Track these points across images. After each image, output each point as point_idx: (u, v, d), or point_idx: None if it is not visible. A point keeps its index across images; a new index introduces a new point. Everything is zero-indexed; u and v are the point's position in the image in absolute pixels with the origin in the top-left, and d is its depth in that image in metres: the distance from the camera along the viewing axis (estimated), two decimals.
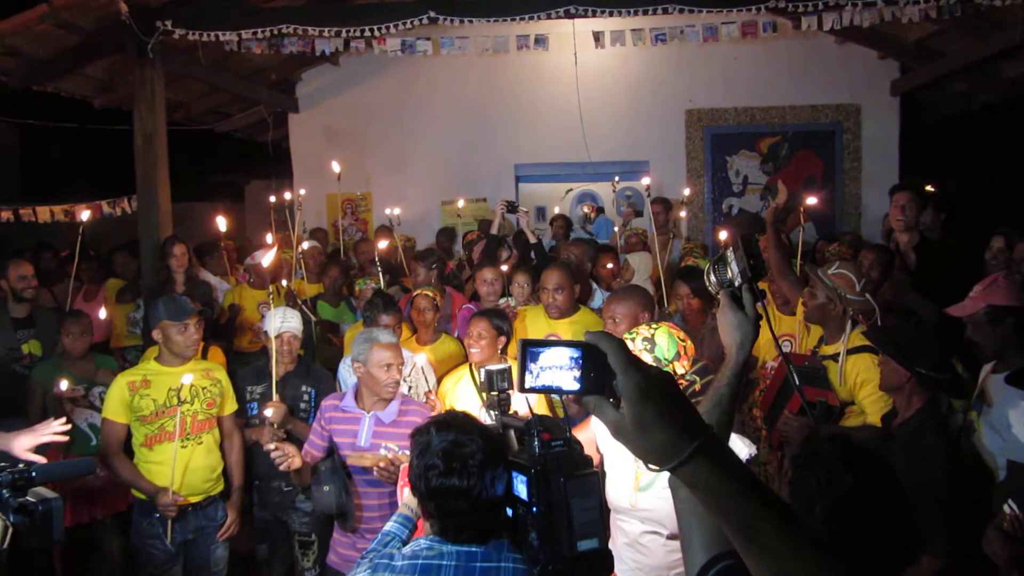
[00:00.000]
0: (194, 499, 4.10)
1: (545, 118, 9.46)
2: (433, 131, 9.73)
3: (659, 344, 2.97)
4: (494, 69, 9.38)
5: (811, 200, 4.95)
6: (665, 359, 2.96)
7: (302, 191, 8.12)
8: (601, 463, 3.08)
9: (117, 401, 4.08)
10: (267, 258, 4.95)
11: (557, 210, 8.47)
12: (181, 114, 9.38)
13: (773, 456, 4.27)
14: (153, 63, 6.69)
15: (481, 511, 2.10)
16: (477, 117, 9.63)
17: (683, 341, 3.02)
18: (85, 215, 6.31)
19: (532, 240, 7.62)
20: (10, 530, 1.92)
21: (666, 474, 2.70)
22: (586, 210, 12.08)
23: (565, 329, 4.79)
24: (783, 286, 4.60)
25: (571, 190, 9.06)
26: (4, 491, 1.97)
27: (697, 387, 3.07)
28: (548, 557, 1.94)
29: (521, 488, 2.02)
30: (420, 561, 2.10)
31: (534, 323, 4.96)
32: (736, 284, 1.77)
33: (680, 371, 2.98)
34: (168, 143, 6.79)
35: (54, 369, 4.80)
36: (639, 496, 2.91)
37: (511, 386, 2.40)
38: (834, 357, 3.91)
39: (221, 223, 6.12)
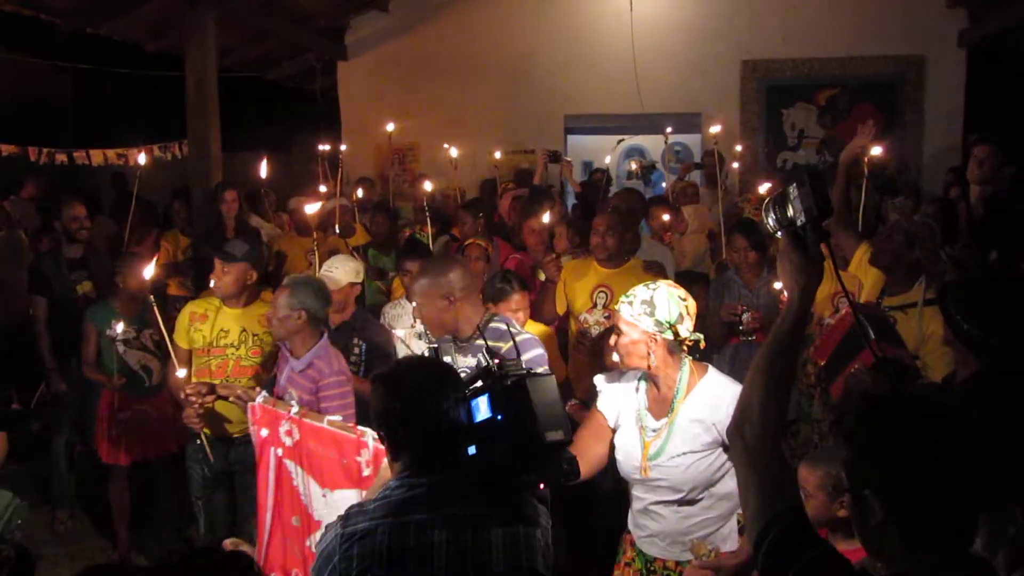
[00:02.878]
0: (235, 433, 4.11)
1: (597, 68, 9.26)
2: (482, 80, 9.59)
3: (659, 306, 2.78)
4: (546, 16, 9.19)
5: (876, 150, 4.75)
6: (667, 321, 2.78)
7: (343, 147, 8.06)
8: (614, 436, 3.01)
9: (180, 326, 4.19)
10: (312, 207, 4.92)
11: (608, 160, 8.31)
12: (230, 61, 9.36)
13: (827, 414, 4.17)
14: (204, 6, 6.67)
15: (449, 439, 2.15)
16: (528, 66, 9.46)
17: (684, 300, 2.85)
18: (142, 159, 6.33)
19: (576, 191, 7.53)
20: None
21: (675, 442, 2.72)
22: (634, 166, 11.91)
23: (617, 281, 4.69)
24: (839, 236, 4.44)
25: (623, 140, 8.87)
26: None
27: (702, 345, 2.88)
28: (519, 454, 2.08)
29: (483, 407, 2.14)
30: (394, 498, 2.09)
31: (581, 275, 4.86)
32: (799, 223, 1.66)
33: (684, 332, 2.81)
34: (218, 91, 6.79)
35: (107, 310, 4.86)
36: (649, 465, 2.84)
37: None
38: (901, 308, 3.78)
39: (263, 170, 6.11)
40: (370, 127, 9.42)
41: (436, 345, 3.38)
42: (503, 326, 3.18)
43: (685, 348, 2.85)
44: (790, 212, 1.68)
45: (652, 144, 11.39)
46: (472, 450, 2.16)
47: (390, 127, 7.06)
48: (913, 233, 3.79)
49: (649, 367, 2.84)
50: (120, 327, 4.63)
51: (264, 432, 3.72)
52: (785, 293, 1.75)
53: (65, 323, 5.11)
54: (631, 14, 7.91)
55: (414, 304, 3.82)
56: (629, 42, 8.45)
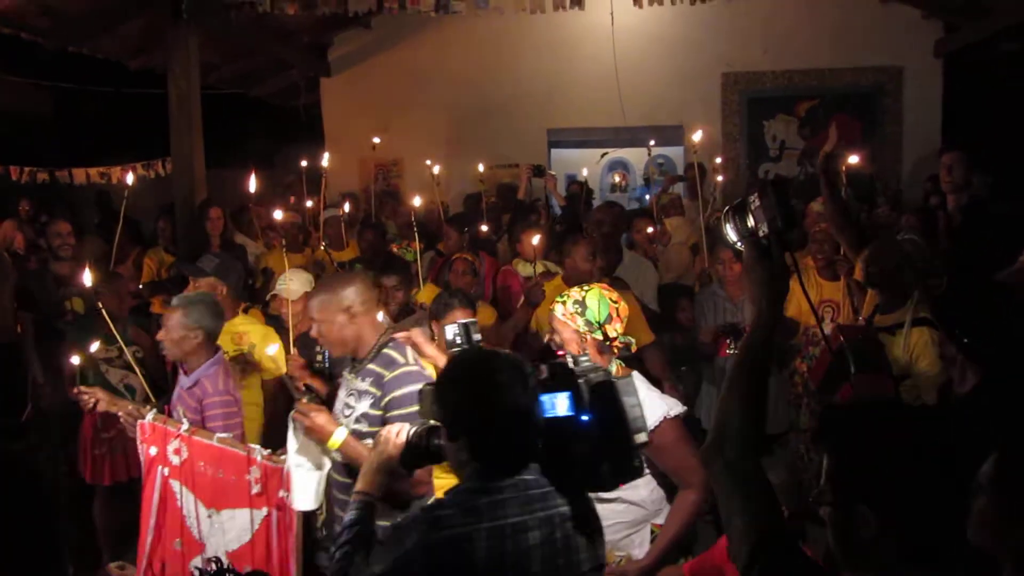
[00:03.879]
0: None
1: (579, 82, 9.32)
2: (465, 95, 9.63)
3: (590, 307, 2.88)
4: (528, 31, 9.23)
5: (853, 159, 4.77)
6: (596, 321, 2.88)
7: (327, 155, 8.08)
8: None
9: None
10: (278, 212, 4.92)
11: (586, 172, 8.35)
12: (214, 78, 9.36)
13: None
14: (187, 23, 6.67)
15: (527, 437, 2.05)
16: (511, 81, 9.51)
17: (615, 303, 2.94)
18: (129, 179, 6.32)
19: (560, 204, 7.57)
20: None
21: None
22: (617, 179, 11.99)
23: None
24: (841, 242, 4.43)
25: (606, 154, 8.96)
26: None
27: (633, 348, 2.95)
28: (603, 453, 2.02)
29: (561, 405, 2.05)
30: (481, 502, 1.98)
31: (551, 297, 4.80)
32: (762, 233, 1.65)
33: (612, 333, 2.90)
34: (202, 108, 6.78)
35: (89, 329, 4.84)
36: None
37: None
38: (891, 329, 3.79)
39: (252, 186, 6.10)
40: (353, 142, 9.44)
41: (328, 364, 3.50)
42: (395, 353, 3.05)
43: (615, 350, 2.92)
44: (751, 222, 1.67)
45: (635, 157, 11.49)
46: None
47: (376, 140, 7.06)
48: (903, 255, 3.82)
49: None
50: (95, 346, 4.60)
51: (153, 450, 3.74)
52: (751, 305, 1.73)
53: (54, 341, 5.08)
54: (612, 27, 7.96)
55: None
56: (611, 55, 8.51)
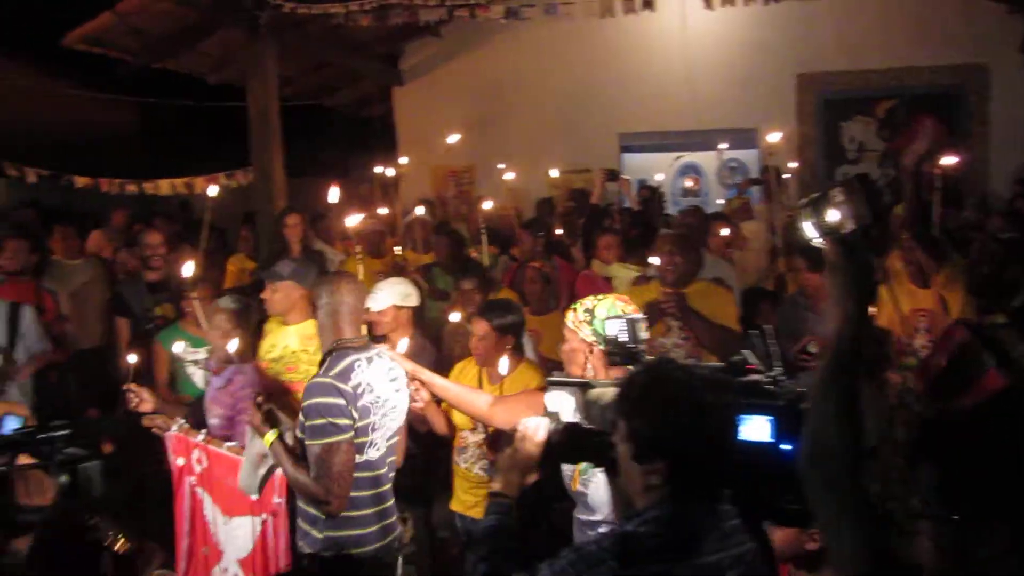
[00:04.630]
0: None
1: (650, 85, 9.26)
2: (536, 101, 9.66)
3: (597, 315, 2.79)
4: (599, 35, 9.22)
5: (949, 160, 4.54)
6: (601, 331, 2.76)
7: (403, 159, 8.20)
8: None
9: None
10: (352, 219, 4.98)
11: (660, 177, 8.29)
12: (290, 90, 9.60)
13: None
14: (265, 38, 6.86)
15: (725, 462, 1.84)
16: (581, 86, 9.51)
17: (628, 314, 2.78)
18: (213, 190, 6.52)
19: (635, 208, 7.53)
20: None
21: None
22: (689, 183, 11.85)
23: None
24: (916, 251, 4.28)
25: (680, 157, 8.86)
26: (49, 450, 1.99)
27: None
28: (788, 486, 1.76)
29: (761, 429, 1.84)
30: (677, 535, 1.80)
31: (643, 298, 4.74)
32: (846, 230, 1.55)
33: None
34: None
35: (176, 332, 4.99)
36: (580, 478, 2.83)
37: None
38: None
39: (333, 195, 6.22)
40: (426, 150, 9.55)
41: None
42: (330, 362, 3.08)
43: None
44: (833, 218, 1.57)
45: (707, 161, 11.35)
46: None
47: (452, 139, 7.14)
48: (1004, 254, 3.68)
49: (583, 376, 2.84)
50: (181, 346, 4.74)
51: (180, 461, 3.90)
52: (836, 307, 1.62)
53: (145, 345, 5.26)
54: (685, 30, 7.91)
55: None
56: (683, 58, 8.46)
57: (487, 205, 6.62)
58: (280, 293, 4.26)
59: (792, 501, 1.76)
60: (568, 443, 2.12)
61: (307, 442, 2.93)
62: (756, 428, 1.85)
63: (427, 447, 4.20)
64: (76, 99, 11.88)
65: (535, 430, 2.15)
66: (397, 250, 6.28)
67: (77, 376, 5.76)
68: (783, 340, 4.87)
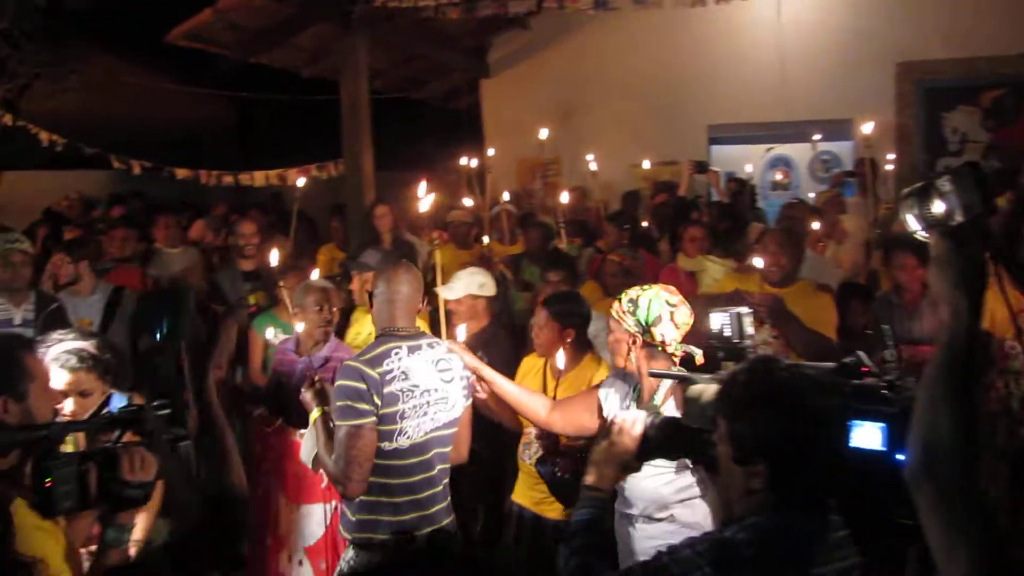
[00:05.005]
0: None
1: (741, 75, 9.06)
2: (623, 92, 9.57)
3: (641, 306, 2.75)
4: (688, 25, 9.07)
5: None
6: (644, 322, 2.74)
7: (491, 151, 8.24)
8: None
9: None
10: (425, 203, 4.97)
11: (749, 168, 8.11)
12: (379, 83, 9.76)
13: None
14: (357, 32, 7.00)
15: (834, 471, 1.74)
16: (670, 77, 9.37)
17: (672, 306, 2.75)
18: (301, 181, 6.71)
19: (724, 201, 7.39)
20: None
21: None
22: (779, 176, 11.56)
23: (788, 301, 4.50)
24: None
25: (771, 149, 8.64)
26: (151, 428, 2.05)
27: (697, 360, 2.68)
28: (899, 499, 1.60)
29: (873, 436, 1.71)
30: (781, 547, 1.70)
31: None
32: (956, 221, 1.44)
33: (659, 337, 2.73)
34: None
35: (269, 319, 5.13)
36: None
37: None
38: None
39: (423, 189, 6.30)
40: (513, 142, 9.58)
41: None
42: (371, 346, 3.11)
43: (674, 357, 2.75)
44: (940, 208, 1.46)
45: (798, 153, 11.05)
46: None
47: (543, 134, 7.13)
48: None
49: (627, 367, 2.84)
50: (272, 333, 4.86)
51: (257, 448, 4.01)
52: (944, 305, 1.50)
53: (239, 333, 5.43)
54: (779, 17, 7.70)
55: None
56: (776, 47, 8.25)
57: (564, 198, 6.60)
58: (367, 283, 4.37)
59: (905, 515, 1.60)
60: (666, 438, 2.06)
61: (333, 422, 2.99)
62: (868, 435, 1.73)
63: (501, 439, 4.17)
64: (177, 94, 12.39)
65: (632, 424, 2.09)
66: (484, 241, 6.33)
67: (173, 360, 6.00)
68: (875, 339, 4.71)
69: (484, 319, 4.53)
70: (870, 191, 6.57)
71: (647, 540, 2.69)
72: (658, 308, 2.74)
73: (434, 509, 3.11)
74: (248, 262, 5.75)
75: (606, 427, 2.15)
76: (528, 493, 3.84)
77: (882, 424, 1.72)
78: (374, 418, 2.92)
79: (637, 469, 2.13)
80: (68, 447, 2.21)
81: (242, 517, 2.08)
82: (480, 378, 3.20)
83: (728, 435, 1.78)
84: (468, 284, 4.45)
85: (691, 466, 2.62)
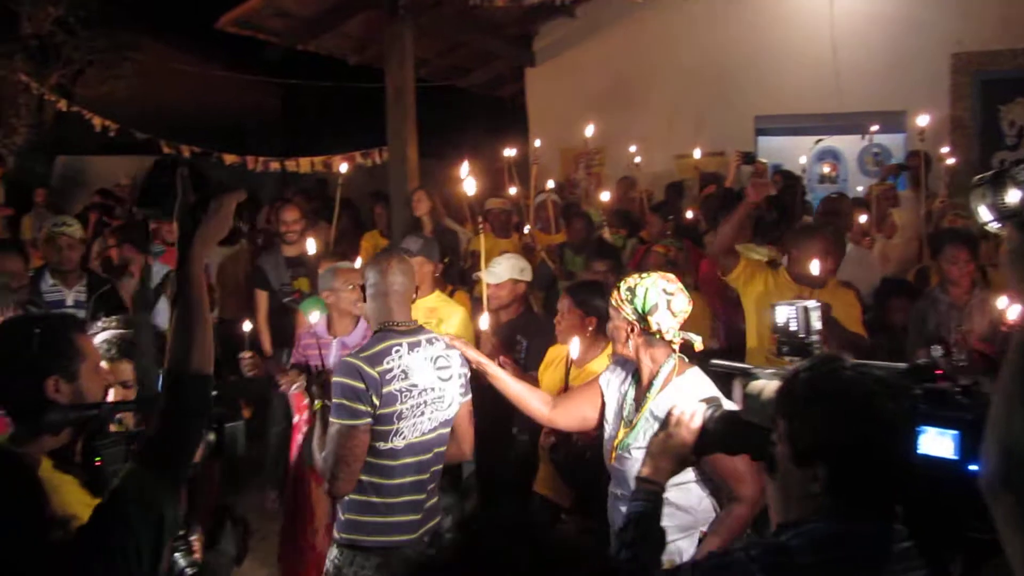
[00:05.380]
0: None
1: (791, 65, 8.90)
2: (669, 82, 9.48)
3: (638, 294, 2.74)
4: (736, 13, 8.95)
5: None
6: (641, 309, 2.72)
7: (537, 142, 8.23)
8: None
9: None
10: (469, 185, 4.94)
11: (803, 160, 7.96)
12: (424, 71, 9.78)
13: None
14: (403, 19, 7.01)
15: (900, 478, 1.64)
16: (716, 66, 9.24)
17: (669, 294, 2.72)
18: (344, 167, 6.76)
19: (770, 192, 7.27)
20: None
21: (639, 436, 2.44)
22: (826, 169, 11.36)
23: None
24: None
25: (820, 140, 8.47)
26: None
27: (696, 347, 2.73)
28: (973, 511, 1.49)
29: (942, 444, 1.60)
30: (839, 552, 1.60)
31: (772, 289, 4.34)
32: None
33: (656, 325, 2.71)
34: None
35: (315, 304, 5.18)
36: (616, 453, 2.82)
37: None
38: None
39: (463, 173, 6.30)
40: (556, 131, 9.54)
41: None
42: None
43: (672, 344, 2.76)
44: (1015, 198, 1.38)
45: (846, 146, 10.85)
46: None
47: (589, 131, 7.11)
48: None
49: (625, 354, 2.86)
50: (317, 316, 4.91)
51: (296, 418, 4.16)
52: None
53: (283, 318, 5.50)
54: (832, 6, 7.55)
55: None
56: (827, 36, 8.09)
57: (605, 197, 6.56)
58: None
59: (979, 528, 1.49)
60: (724, 433, 2.00)
61: (329, 418, 2.94)
62: (938, 443, 1.63)
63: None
64: (226, 81, 12.55)
65: (691, 416, 2.04)
66: (526, 230, 6.32)
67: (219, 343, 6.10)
68: (913, 339, 4.50)
69: (522, 305, 4.54)
70: (922, 185, 6.43)
71: None
72: (655, 296, 2.73)
73: (421, 514, 3.04)
74: (291, 248, 5.81)
75: (664, 418, 2.12)
76: (547, 481, 3.84)
77: (955, 431, 1.62)
78: (369, 419, 2.86)
79: (695, 463, 2.08)
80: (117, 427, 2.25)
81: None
82: (486, 374, 3.18)
83: (787, 435, 1.70)
84: (510, 269, 4.47)
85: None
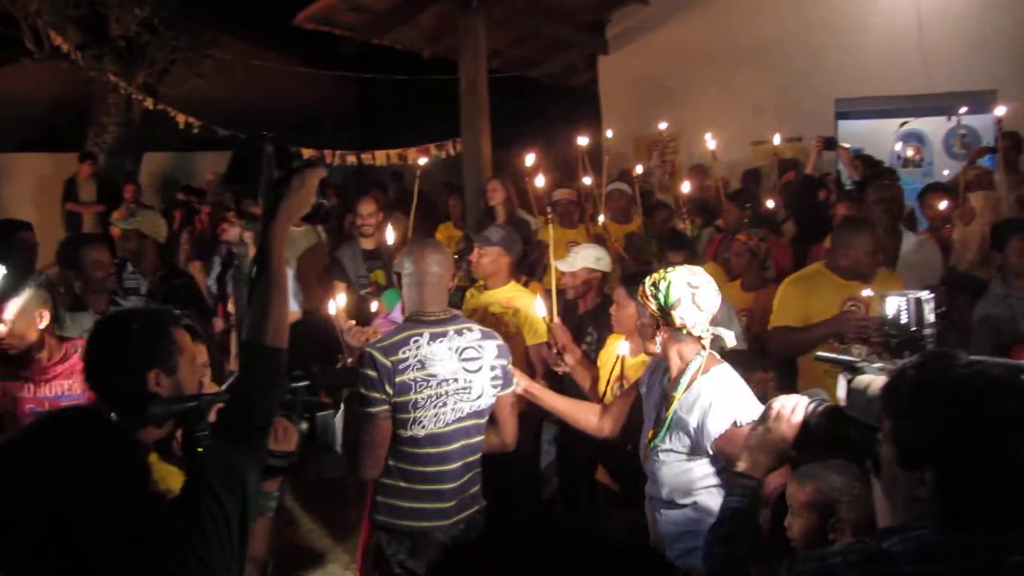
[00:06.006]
0: None
1: (874, 45, 8.63)
2: (745, 66, 9.27)
3: (661, 288, 2.66)
4: None
5: None
6: (665, 304, 2.65)
7: (609, 132, 8.16)
8: None
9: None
10: (537, 180, 4.93)
11: (899, 146, 7.69)
12: (496, 63, 9.79)
13: None
14: (476, 11, 7.04)
15: (1014, 484, 1.50)
16: (796, 47, 9.01)
17: (695, 288, 2.63)
18: (422, 160, 6.83)
19: (855, 178, 7.09)
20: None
21: (666, 436, 2.42)
22: (910, 152, 11.00)
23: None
24: None
25: (906, 123, 8.18)
26: (298, 398, 2.11)
27: (727, 344, 2.66)
28: None
29: None
30: (941, 564, 1.50)
31: (816, 286, 4.25)
32: None
33: (679, 321, 2.63)
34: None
35: (395, 296, 5.26)
36: (649, 453, 2.76)
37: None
38: None
39: (529, 161, 6.31)
40: (630, 119, 9.45)
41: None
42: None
43: (702, 340, 2.66)
44: None
45: (932, 128, 10.48)
46: None
47: (662, 126, 7.04)
48: None
49: (652, 351, 2.81)
50: (397, 310, 4.98)
51: None
52: None
53: (359, 310, 5.59)
54: None
55: None
56: (913, 13, 7.81)
57: (686, 187, 6.48)
58: (488, 258, 4.43)
59: None
60: (827, 430, 1.91)
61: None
62: None
63: None
64: (303, 76, 12.81)
65: (792, 410, 1.94)
66: (600, 220, 6.29)
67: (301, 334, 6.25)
68: (980, 337, 4.15)
69: (598, 295, 4.52)
70: (1011, 168, 6.16)
71: (670, 525, 2.70)
72: (678, 291, 2.66)
73: (453, 502, 3.05)
74: (368, 240, 5.89)
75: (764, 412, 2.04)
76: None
77: None
78: (386, 406, 2.91)
79: (795, 458, 2.00)
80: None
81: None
82: (532, 395, 3.21)
83: (892, 435, 1.60)
84: (585, 258, 4.48)
85: (711, 454, 2.58)
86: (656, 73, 9.70)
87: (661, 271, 2.76)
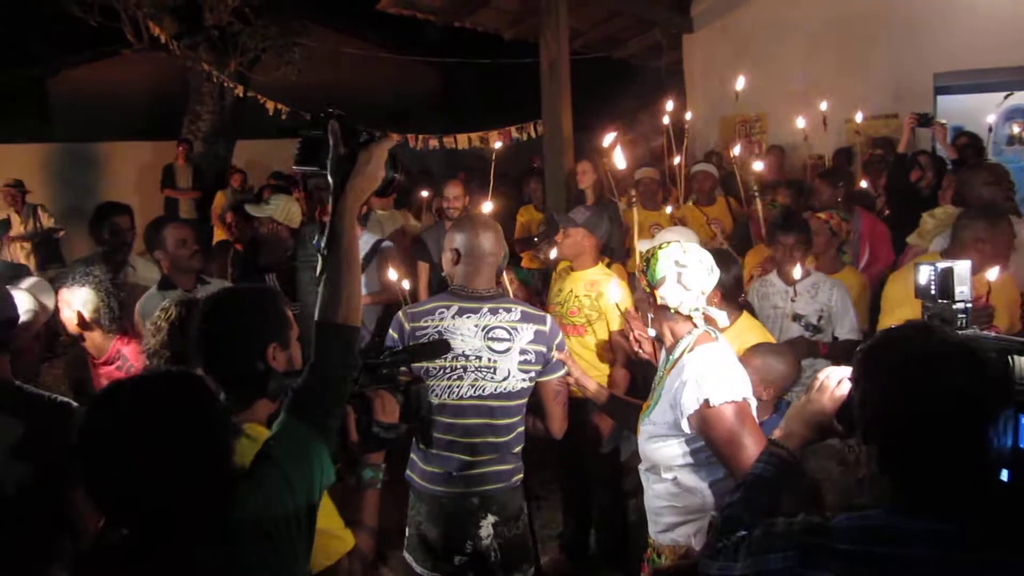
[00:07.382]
0: None
1: (975, 14, 8.20)
2: (836, 41, 8.96)
3: (649, 264, 2.55)
4: None
5: None
6: (651, 282, 2.55)
7: (688, 114, 8.00)
8: None
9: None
10: (619, 158, 4.80)
11: (992, 119, 7.29)
12: (579, 43, 9.71)
13: None
14: None
15: (976, 472, 1.42)
16: (891, 19, 8.66)
17: (682, 266, 2.49)
18: (498, 143, 6.84)
19: (951, 157, 6.78)
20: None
21: (653, 410, 2.37)
22: (1016, 128, 10.43)
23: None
24: None
25: (1009, 95, 7.73)
26: (387, 370, 2.12)
27: (719, 325, 2.58)
28: None
29: None
30: (878, 548, 1.43)
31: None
32: None
33: (660, 300, 2.53)
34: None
35: None
36: (640, 426, 2.68)
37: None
38: None
39: (608, 141, 6.23)
40: (715, 99, 9.26)
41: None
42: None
43: (689, 318, 2.54)
44: None
45: None
46: (1005, 476, 1.46)
47: (739, 83, 6.84)
48: None
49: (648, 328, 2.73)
50: None
51: None
52: None
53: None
54: None
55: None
56: None
57: (758, 166, 6.29)
58: (572, 239, 4.39)
59: None
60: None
61: None
62: None
63: None
64: (388, 62, 13.00)
65: (838, 382, 1.81)
66: (690, 204, 6.21)
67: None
68: None
69: None
70: None
71: (654, 499, 2.66)
72: (663, 268, 2.53)
73: (466, 474, 3.01)
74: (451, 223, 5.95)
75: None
76: None
77: None
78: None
79: (840, 434, 1.89)
80: None
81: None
82: (579, 385, 3.13)
83: (858, 413, 1.54)
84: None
85: (687, 432, 2.48)
86: (743, 50, 9.45)
87: (655, 247, 2.66)
